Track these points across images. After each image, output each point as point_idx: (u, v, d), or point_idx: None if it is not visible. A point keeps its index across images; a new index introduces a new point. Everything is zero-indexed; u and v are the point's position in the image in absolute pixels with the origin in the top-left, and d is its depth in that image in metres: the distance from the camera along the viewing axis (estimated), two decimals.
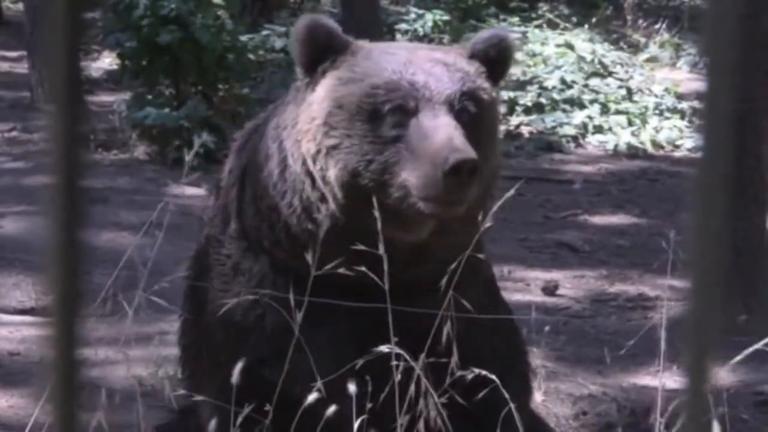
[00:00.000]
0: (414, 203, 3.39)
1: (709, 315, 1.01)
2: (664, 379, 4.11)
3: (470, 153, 3.33)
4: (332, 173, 3.48)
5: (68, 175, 1.02)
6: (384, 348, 3.53)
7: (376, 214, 3.37)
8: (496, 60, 3.71)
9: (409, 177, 3.38)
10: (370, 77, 3.52)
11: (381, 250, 3.43)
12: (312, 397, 3.53)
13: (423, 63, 3.56)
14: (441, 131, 3.39)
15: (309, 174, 3.54)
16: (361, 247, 3.43)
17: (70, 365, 1.04)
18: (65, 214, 1.02)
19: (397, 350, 3.54)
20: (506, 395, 3.61)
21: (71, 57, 1.00)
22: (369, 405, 3.59)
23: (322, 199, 3.52)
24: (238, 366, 3.58)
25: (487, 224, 3.61)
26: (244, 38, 12.14)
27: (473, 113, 3.53)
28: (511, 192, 3.70)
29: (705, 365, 1.01)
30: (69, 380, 1.04)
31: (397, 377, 3.58)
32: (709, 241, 1.00)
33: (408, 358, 3.56)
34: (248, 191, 3.79)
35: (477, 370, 3.59)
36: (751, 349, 3.74)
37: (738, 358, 3.75)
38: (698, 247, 1.01)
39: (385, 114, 3.47)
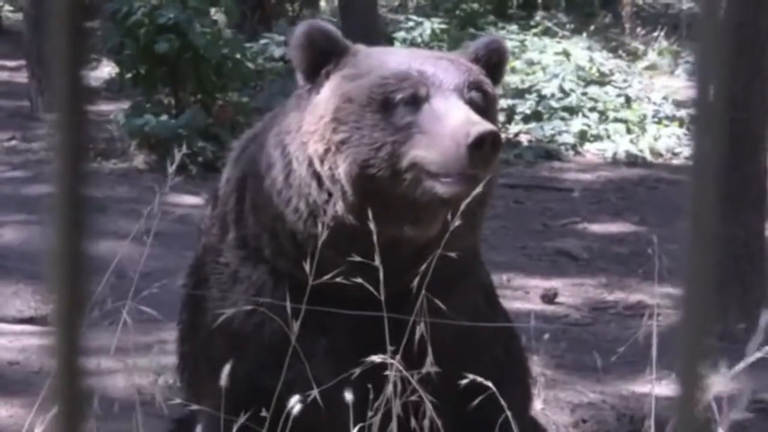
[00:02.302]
0: (430, 188, 3.38)
1: (702, 323, 1.01)
2: (663, 387, 4.10)
3: (491, 126, 3.37)
4: (342, 169, 3.47)
5: (72, 185, 1.02)
6: (379, 357, 3.52)
7: (374, 242, 3.36)
8: (496, 65, 3.76)
9: (425, 155, 3.38)
10: (378, 70, 3.55)
11: (377, 261, 3.43)
12: (301, 405, 3.50)
13: (427, 57, 3.65)
14: (457, 110, 3.43)
15: (315, 175, 3.52)
16: (358, 259, 3.44)
17: (72, 375, 1.04)
18: (69, 223, 1.02)
19: (391, 360, 3.53)
20: (504, 403, 3.60)
21: (74, 65, 1.00)
22: (370, 413, 3.58)
23: (329, 200, 3.51)
24: (225, 369, 3.55)
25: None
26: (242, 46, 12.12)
27: (480, 103, 3.56)
28: (479, 188, 3.66)
29: (697, 373, 1.01)
30: (72, 390, 1.04)
31: (398, 389, 3.57)
32: (701, 248, 1.01)
33: (402, 368, 3.55)
34: (247, 201, 3.78)
35: (473, 376, 3.57)
36: (753, 358, 3.71)
37: (740, 366, 3.72)
38: (691, 255, 1.01)
39: (397, 103, 3.48)
